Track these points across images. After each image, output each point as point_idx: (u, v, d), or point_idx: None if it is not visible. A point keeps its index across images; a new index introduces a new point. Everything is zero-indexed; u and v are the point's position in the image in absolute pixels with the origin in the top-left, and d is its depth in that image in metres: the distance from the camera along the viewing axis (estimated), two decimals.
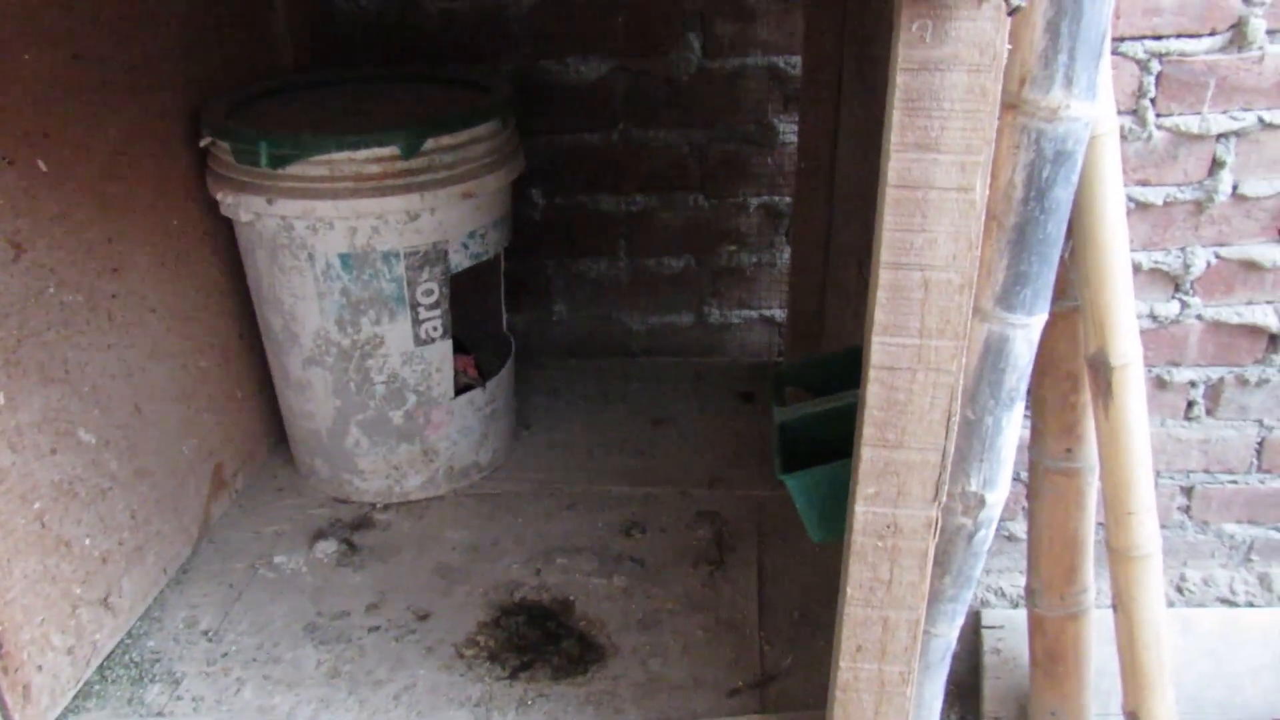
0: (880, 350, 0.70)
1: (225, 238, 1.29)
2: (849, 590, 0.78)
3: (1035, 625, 1.32)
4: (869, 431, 0.72)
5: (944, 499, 0.74)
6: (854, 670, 0.81)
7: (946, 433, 0.71)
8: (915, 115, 0.62)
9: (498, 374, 1.39)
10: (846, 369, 1.02)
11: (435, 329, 1.26)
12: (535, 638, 1.11)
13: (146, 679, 1.07)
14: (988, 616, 1.50)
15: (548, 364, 1.73)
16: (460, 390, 1.33)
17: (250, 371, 1.39)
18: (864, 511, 0.75)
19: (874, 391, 0.71)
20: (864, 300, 1.19)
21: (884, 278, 0.68)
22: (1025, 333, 0.75)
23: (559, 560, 1.24)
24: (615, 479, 1.40)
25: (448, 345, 1.29)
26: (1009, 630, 1.48)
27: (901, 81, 0.61)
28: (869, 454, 0.73)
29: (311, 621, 1.15)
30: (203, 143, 1.20)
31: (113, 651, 1.10)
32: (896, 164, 0.64)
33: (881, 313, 0.69)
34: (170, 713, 1.02)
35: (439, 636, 1.12)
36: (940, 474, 0.73)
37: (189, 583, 1.21)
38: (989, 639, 1.46)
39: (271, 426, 1.45)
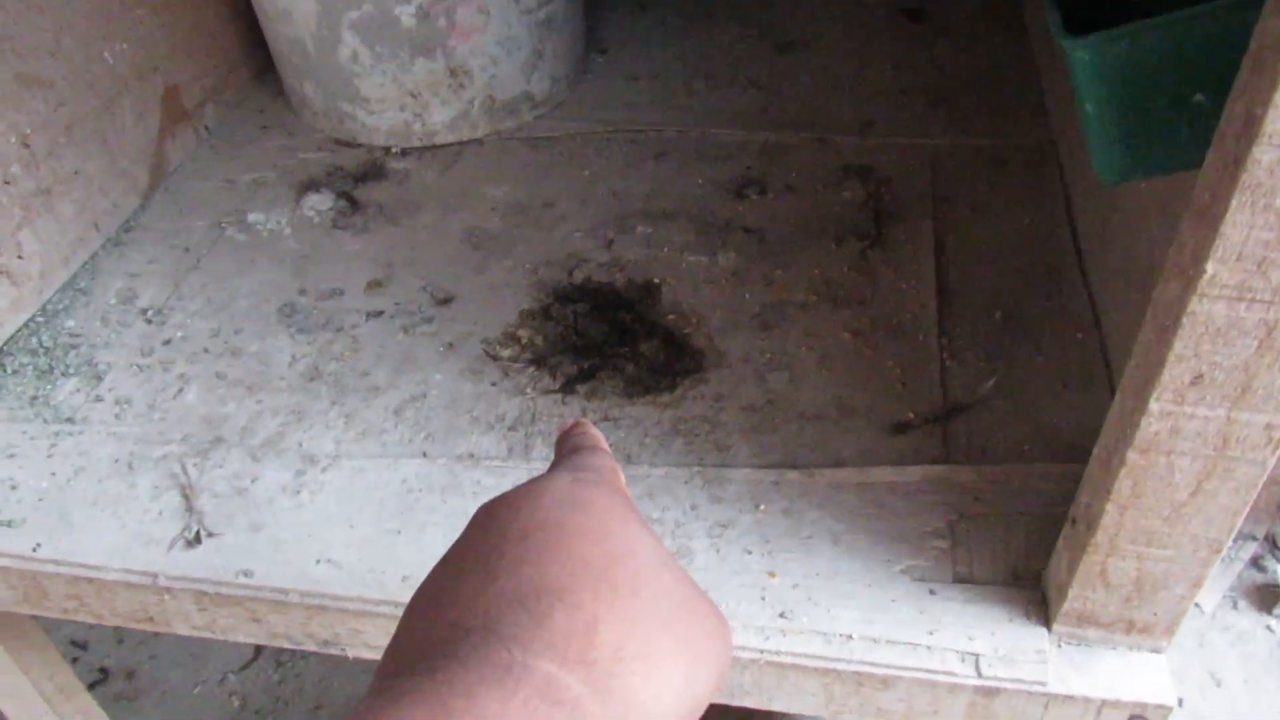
0: None
1: None
2: (1211, 266, 0.38)
3: None
4: None
5: None
6: (1175, 417, 0.43)
7: None
8: None
9: None
10: None
11: None
12: (601, 335, 0.76)
13: (58, 371, 0.76)
14: None
15: None
16: None
17: None
18: None
19: None
20: None
21: None
22: None
23: (640, 229, 0.86)
24: (723, 120, 0.99)
25: None
26: None
27: None
28: None
29: (290, 302, 0.81)
30: None
31: (17, 333, 0.79)
32: None
33: None
34: (84, 419, 0.72)
35: (464, 328, 0.78)
36: None
37: (132, 245, 0.88)
38: None
39: (254, 42, 1.06)
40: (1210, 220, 0.37)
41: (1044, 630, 0.54)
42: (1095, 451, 0.49)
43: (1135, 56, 0.42)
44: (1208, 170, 0.38)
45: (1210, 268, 0.38)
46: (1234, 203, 0.36)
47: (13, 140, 0.77)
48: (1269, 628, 1.25)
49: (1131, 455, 0.45)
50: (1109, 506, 0.47)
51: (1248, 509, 0.47)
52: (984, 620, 0.55)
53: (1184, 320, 0.40)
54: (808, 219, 0.86)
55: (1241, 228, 0.36)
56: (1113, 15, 0.47)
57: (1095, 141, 0.45)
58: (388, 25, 0.89)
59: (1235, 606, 1.42)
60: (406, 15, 0.88)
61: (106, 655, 1.33)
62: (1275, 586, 1.25)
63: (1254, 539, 1.44)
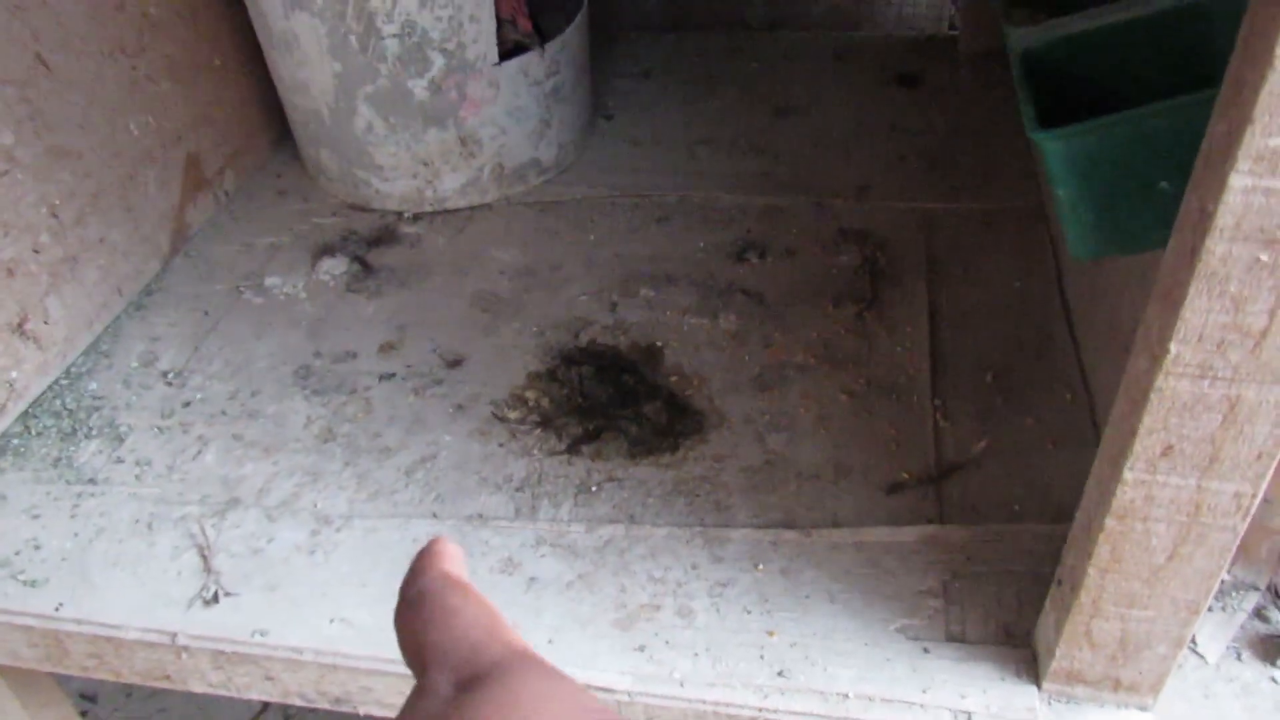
0: None
1: None
2: (1174, 346, 0.40)
3: None
4: None
5: None
6: (1149, 486, 0.45)
7: None
8: None
9: (563, 33, 0.99)
10: None
11: None
12: (606, 397, 0.79)
13: (81, 433, 0.79)
14: None
15: (637, 39, 1.31)
16: (508, 53, 0.95)
17: (232, 32, 1.03)
18: (1247, 186, 0.36)
19: None
20: None
21: None
22: None
23: (643, 292, 0.89)
24: (724, 185, 1.02)
25: None
26: None
27: None
28: None
29: (305, 364, 0.84)
30: None
31: (42, 395, 0.82)
32: None
33: None
34: (106, 480, 0.74)
35: (473, 390, 0.80)
36: None
37: (153, 308, 0.91)
38: None
39: (273, 113, 1.10)
40: (1172, 304, 0.40)
41: (1034, 688, 0.56)
42: (1077, 516, 0.51)
43: (1103, 148, 0.45)
44: (1169, 257, 0.41)
45: (1174, 348, 0.40)
46: (1192, 289, 0.39)
47: (43, 210, 0.81)
48: (1273, 679, 1.26)
49: (1109, 521, 0.47)
50: (1091, 569, 0.49)
51: (1224, 571, 0.49)
52: (976, 678, 0.56)
53: (1152, 395, 0.42)
54: (806, 282, 0.88)
55: (1200, 312, 0.39)
56: (1085, 103, 0.50)
57: (1067, 222, 0.48)
58: (402, 98, 0.93)
59: (1239, 658, 1.42)
60: (420, 89, 0.92)
61: (115, 709, 1.34)
62: (1278, 638, 1.26)
63: (1256, 589, 1.44)
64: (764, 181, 1.03)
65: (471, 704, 0.24)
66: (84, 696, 1.35)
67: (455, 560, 0.30)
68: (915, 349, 0.80)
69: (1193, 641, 1.36)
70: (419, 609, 0.28)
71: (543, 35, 0.99)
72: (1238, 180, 0.36)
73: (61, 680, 0.97)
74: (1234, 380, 0.41)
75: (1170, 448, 0.44)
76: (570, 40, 0.99)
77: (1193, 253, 0.38)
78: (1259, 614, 1.47)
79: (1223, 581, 1.41)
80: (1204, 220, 0.37)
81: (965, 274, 0.88)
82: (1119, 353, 0.68)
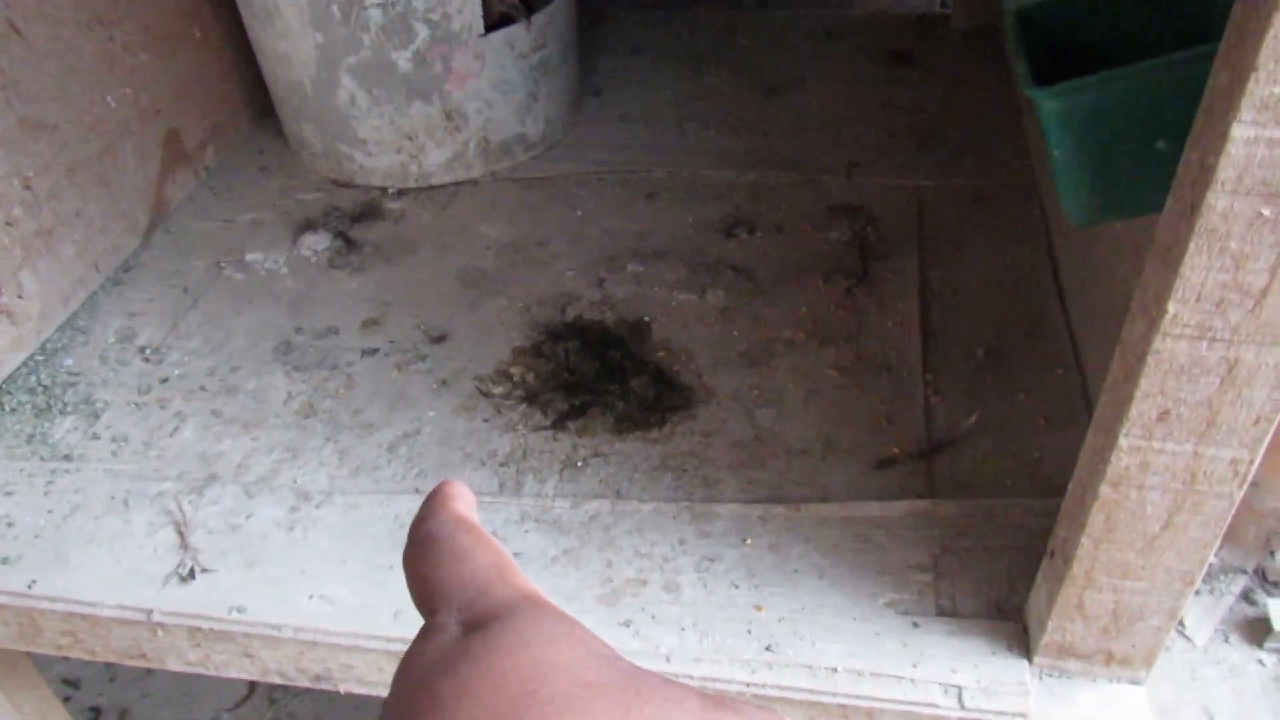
0: None
1: None
2: (1173, 306, 0.39)
3: None
4: None
5: None
6: (1144, 452, 0.44)
7: None
8: None
9: (549, 4, 0.97)
10: None
11: None
12: (592, 372, 0.77)
13: (56, 409, 0.77)
14: None
15: (626, 15, 1.29)
16: (494, 25, 0.93)
17: (213, 3, 1.01)
18: (1249, 137, 0.35)
19: None
20: None
21: None
22: None
23: (631, 267, 0.88)
24: (713, 161, 1.01)
25: None
26: None
27: None
28: None
29: (286, 340, 0.83)
30: None
31: (16, 371, 0.80)
32: None
33: None
34: (81, 457, 0.73)
35: (458, 366, 0.79)
36: None
37: (131, 284, 0.90)
38: None
39: (255, 86, 1.08)
40: (1171, 262, 0.39)
41: (1025, 662, 0.55)
42: (1070, 486, 0.51)
43: (1100, 106, 0.44)
44: (1167, 215, 0.40)
45: (1172, 308, 0.39)
46: (1192, 246, 0.37)
47: (15, 183, 0.79)
48: (1260, 661, 1.25)
49: (1104, 489, 0.46)
50: (1084, 540, 0.48)
51: (1218, 542, 0.48)
52: (967, 653, 0.55)
53: (1149, 358, 0.41)
54: (795, 258, 0.87)
55: (1200, 270, 0.38)
56: (1078, 65, 0.49)
57: (1063, 186, 0.47)
58: (385, 70, 0.91)
59: (1227, 640, 1.42)
60: (404, 60, 0.91)
61: (99, 694, 1.32)
62: (1265, 620, 1.26)
63: (1243, 572, 1.44)
64: (754, 158, 1.01)
65: (479, 644, 0.23)
66: (66, 682, 1.34)
67: (466, 502, 0.29)
68: (906, 325, 0.79)
69: (1181, 624, 1.36)
70: (428, 550, 0.27)
71: (530, 8, 0.97)
72: (1240, 130, 0.34)
73: (43, 666, 0.96)
74: (1233, 341, 0.39)
75: (1167, 412, 0.43)
76: (557, 13, 0.98)
77: (1192, 209, 0.37)
78: (1246, 597, 1.47)
79: (1210, 565, 1.41)
80: (1205, 174, 0.36)
81: (956, 250, 0.86)
82: (1112, 328, 0.67)
